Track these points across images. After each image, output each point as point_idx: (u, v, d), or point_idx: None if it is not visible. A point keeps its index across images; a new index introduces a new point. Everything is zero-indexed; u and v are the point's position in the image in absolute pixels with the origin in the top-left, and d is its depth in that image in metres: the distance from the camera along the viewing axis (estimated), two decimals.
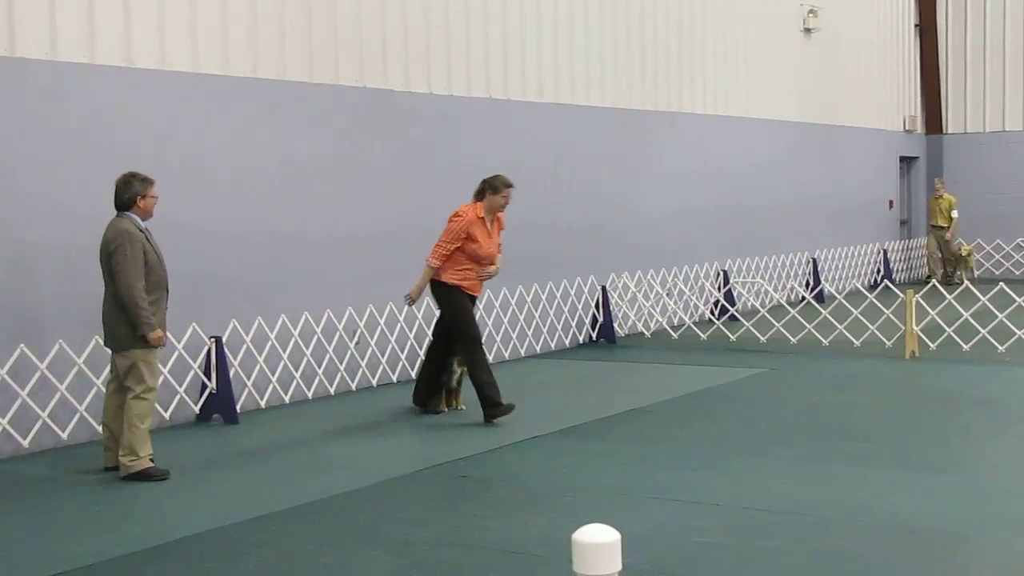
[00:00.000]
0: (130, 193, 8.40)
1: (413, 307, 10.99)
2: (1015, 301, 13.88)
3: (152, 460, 8.44)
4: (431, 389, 10.77)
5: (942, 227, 22.43)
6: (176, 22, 10.46)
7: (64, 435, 9.54)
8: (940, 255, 22.72)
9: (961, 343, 13.51)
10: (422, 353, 11.63)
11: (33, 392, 9.32)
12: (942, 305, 14.43)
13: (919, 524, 6.81)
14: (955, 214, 22.44)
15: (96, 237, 8.55)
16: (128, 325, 8.31)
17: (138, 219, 8.42)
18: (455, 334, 10.44)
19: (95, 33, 9.85)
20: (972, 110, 24.56)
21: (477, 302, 10.91)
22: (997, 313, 13.84)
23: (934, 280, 19.36)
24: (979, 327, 13.64)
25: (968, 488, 7.63)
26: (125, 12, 10.05)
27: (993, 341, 13.39)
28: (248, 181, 11.11)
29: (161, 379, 10.08)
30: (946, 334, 13.73)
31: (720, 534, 6.68)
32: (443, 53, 13.21)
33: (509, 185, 10.57)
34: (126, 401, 8.43)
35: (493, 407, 10.19)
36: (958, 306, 14.33)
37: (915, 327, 13.48)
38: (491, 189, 10.54)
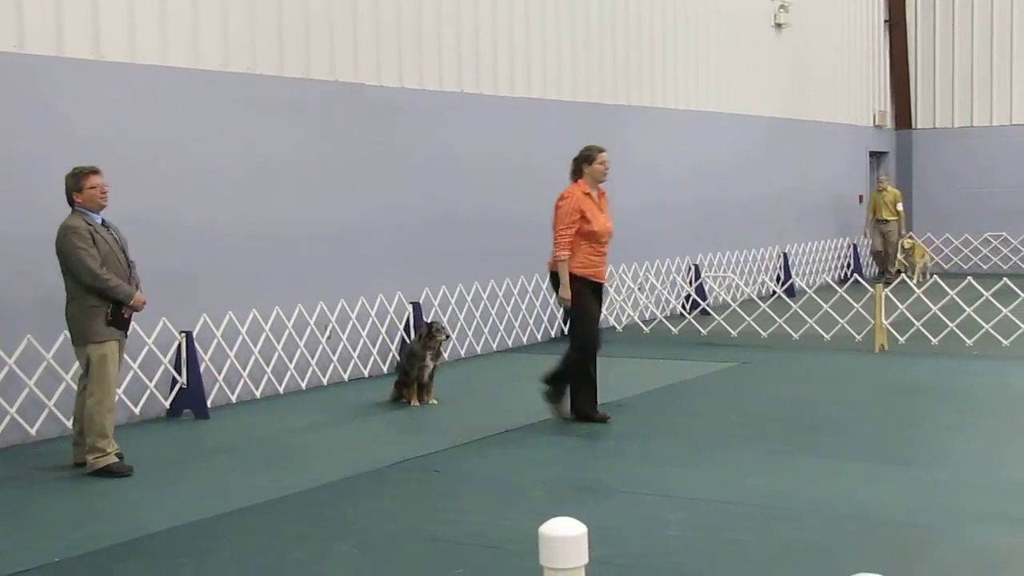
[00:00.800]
0: (68, 190, 8.37)
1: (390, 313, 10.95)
2: (982, 295, 13.98)
3: (119, 456, 8.40)
4: (588, 398, 9.79)
5: (886, 220, 21.61)
6: (145, 14, 10.38)
7: (33, 431, 9.47)
8: (883, 250, 21.97)
9: (930, 337, 13.60)
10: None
11: (1, 388, 9.25)
12: (911, 299, 14.52)
13: (889, 516, 6.85)
14: (900, 207, 21.91)
15: (55, 234, 8.48)
16: (84, 320, 8.27)
17: (89, 213, 8.35)
18: (572, 332, 10.00)
19: (63, 25, 9.76)
20: (941, 106, 24.72)
21: (607, 288, 10.03)
22: (965, 307, 13.94)
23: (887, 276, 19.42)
24: (947, 321, 13.73)
25: (937, 481, 7.68)
26: (93, 4, 9.96)
27: (961, 335, 13.49)
28: (218, 175, 11.05)
29: (131, 374, 10.08)
30: (915, 328, 13.82)
31: (691, 527, 6.70)
32: (415, 47, 13.18)
33: (602, 149, 9.96)
34: (86, 398, 8.39)
35: (586, 418, 9.63)
36: (927, 300, 14.43)
37: (884, 321, 13.56)
38: (586, 160, 9.88)
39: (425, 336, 10.78)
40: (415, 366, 10.74)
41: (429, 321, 11.47)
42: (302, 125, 11.89)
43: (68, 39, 9.80)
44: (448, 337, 11.13)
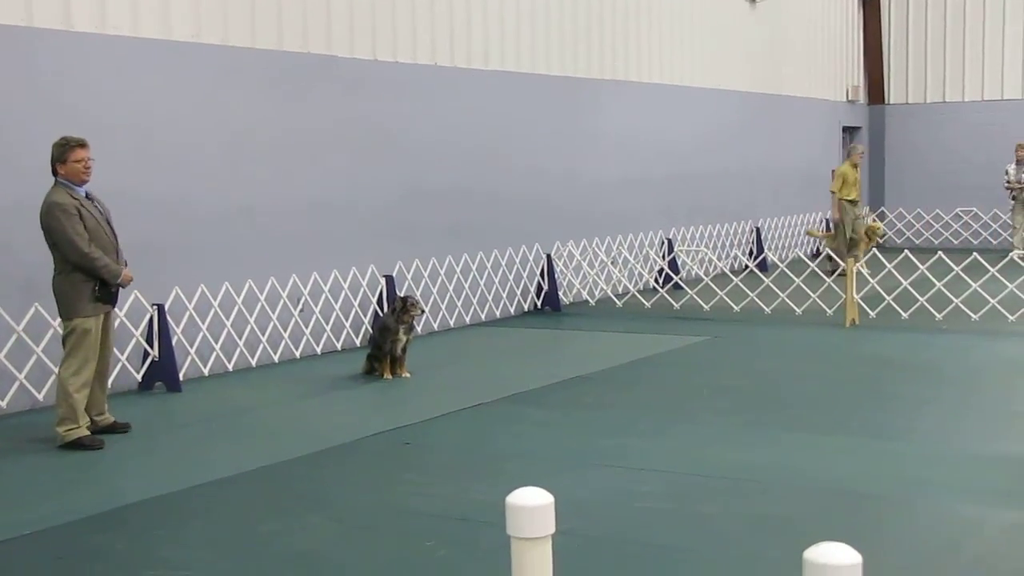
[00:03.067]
0: (52, 160, 8.30)
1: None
2: (952, 270, 14.09)
3: (89, 429, 8.39)
4: None
5: (855, 201, 18.85)
6: None
7: (3, 403, 9.45)
8: (855, 236, 18.80)
9: (900, 311, 13.70)
10: None
11: None
12: (882, 274, 14.62)
13: (857, 488, 6.93)
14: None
15: (29, 204, 8.45)
16: (71, 295, 8.25)
17: (72, 185, 8.28)
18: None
19: None
20: (914, 81, 24.82)
21: None
22: (935, 281, 14.04)
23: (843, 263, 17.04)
24: (918, 295, 13.84)
25: (905, 453, 7.76)
26: None
27: (931, 309, 13.60)
28: (190, 147, 11.00)
29: None
30: (886, 302, 13.93)
31: (662, 500, 6.76)
32: (388, 20, 13.12)
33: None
34: (61, 370, 8.37)
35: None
36: (897, 275, 14.52)
37: (855, 295, 13.65)
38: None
39: (399, 310, 10.77)
40: (388, 339, 10.75)
41: (403, 295, 11.46)
42: (275, 98, 11.84)
43: (37, 9, 9.71)
44: (422, 311, 11.13)
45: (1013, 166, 20.70)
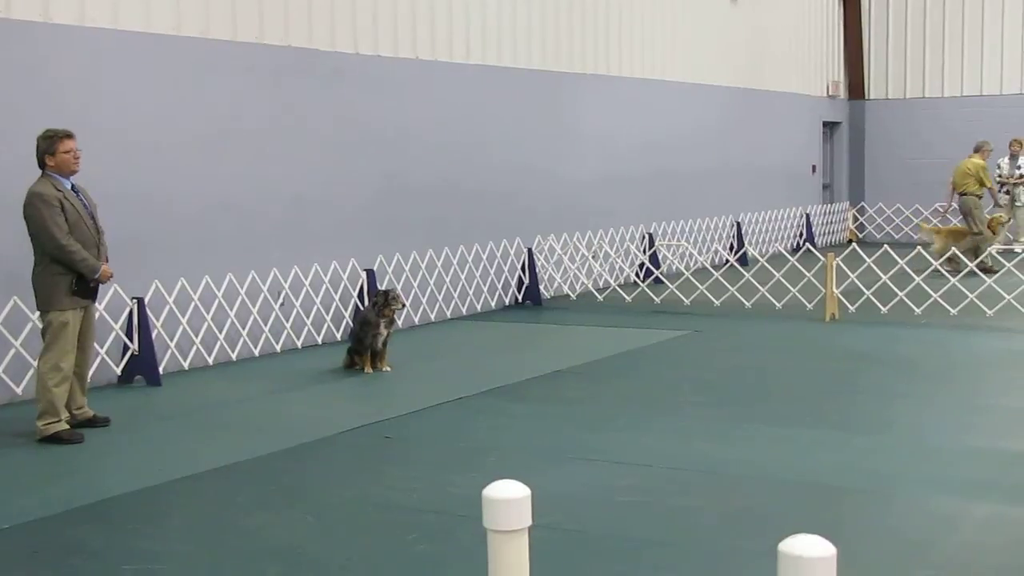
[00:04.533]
0: (40, 151, 8.26)
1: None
2: (931, 265, 14.15)
3: (69, 423, 8.37)
4: None
5: (981, 196, 18.35)
6: None
7: None
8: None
9: (880, 305, 13.77)
10: None
11: None
12: (861, 268, 14.68)
13: (836, 483, 6.96)
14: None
15: (9, 197, 8.42)
16: (48, 287, 8.23)
17: (58, 177, 8.26)
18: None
19: None
20: (894, 77, 24.91)
21: None
22: (914, 276, 14.12)
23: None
24: (897, 290, 13.91)
25: (887, 447, 7.81)
26: None
27: (910, 303, 13.66)
28: (170, 141, 10.96)
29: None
30: (865, 297, 13.99)
31: (642, 493, 6.78)
32: (369, 13, 13.11)
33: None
34: (39, 363, 8.35)
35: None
36: (877, 269, 14.60)
37: (835, 290, 13.71)
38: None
39: (381, 304, 10.77)
40: (368, 333, 10.74)
41: (385, 289, 11.45)
42: (256, 91, 11.81)
43: (15, 0, 9.65)
44: (403, 306, 11.13)
45: (1007, 160, 20.79)
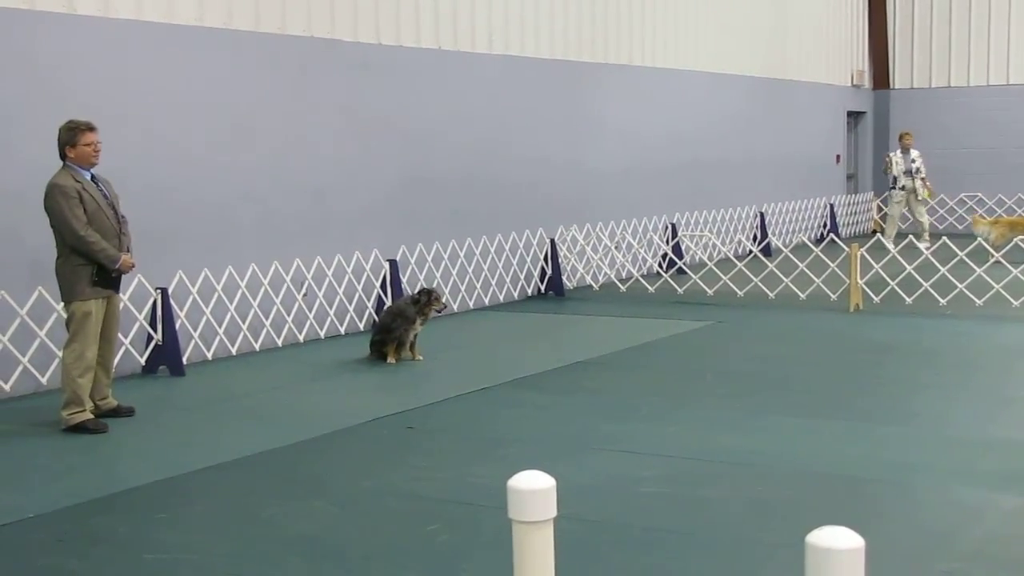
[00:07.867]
0: (61, 143, 8.29)
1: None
2: (956, 255, 14.07)
3: (93, 413, 8.41)
4: None
5: None
6: None
7: (7, 387, 9.46)
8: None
9: (904, 296, 13.69)
10: None
11: None
12: (886, 259, 14.61)
13: (860, 474, 6.93)
14: None
15: (33, 188, 8.45)
16: (70, 278, 8.26)
17: (78, 169, 8.29)
18: None
19: None
20: (919, 66, 24.74)
21: None
22: (939, 267, 14.02)
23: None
24: (922, 280, 13.82)
25: (911, 438, 7.76)
26: None
27: (935, 294, 13.58)
28: (194, 131, 10.99)
29: None
30: (889, 287, 13.91)
31: (665, 484, 6.76)
32: (392, 3, 13.10)
33: None
34: (64, 353, 8.39)
35: None
36: (901, 260, 14.51)
37: (860, 281, 13.64)
38: None
39: (423, 302, 10.73)
40: (402, 327, 10.69)
41: (429, 288, 11.13)
42: (278, 81, 11.82)
43: None
44: (442, 309, 11.01)
45: (898, 153, 20.48)
